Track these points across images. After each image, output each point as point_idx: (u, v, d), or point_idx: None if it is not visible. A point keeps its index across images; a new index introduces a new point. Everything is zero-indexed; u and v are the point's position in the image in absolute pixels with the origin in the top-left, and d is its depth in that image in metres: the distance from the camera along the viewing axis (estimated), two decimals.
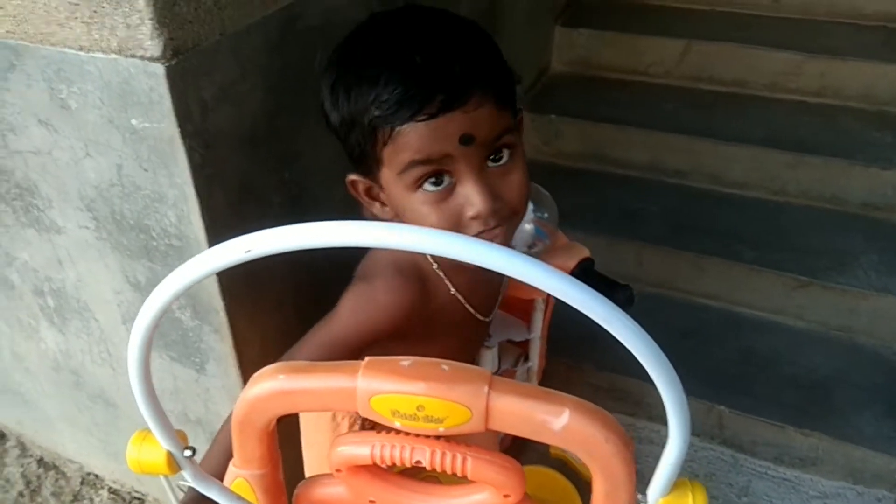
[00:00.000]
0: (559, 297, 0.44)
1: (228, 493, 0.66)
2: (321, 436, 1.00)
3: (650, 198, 1.93)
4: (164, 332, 1.09)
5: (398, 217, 0.79)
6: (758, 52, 2.09)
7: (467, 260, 0.44)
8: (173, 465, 0.62)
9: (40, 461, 1.60)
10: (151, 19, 0.77)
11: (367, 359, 0.55)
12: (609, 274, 1.05)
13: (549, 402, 0.53)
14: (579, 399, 0.54)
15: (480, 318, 0.94)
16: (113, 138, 0.89)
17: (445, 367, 0.54)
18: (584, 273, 1.05)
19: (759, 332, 1.67)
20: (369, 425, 0.95)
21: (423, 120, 0.69)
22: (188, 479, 0.65)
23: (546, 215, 1.12)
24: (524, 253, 1.08)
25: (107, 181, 0.94)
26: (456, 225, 0.74)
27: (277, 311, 1.08)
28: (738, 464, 1.48)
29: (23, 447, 1.63)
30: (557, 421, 0.53)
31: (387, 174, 0.76)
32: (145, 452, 0.62)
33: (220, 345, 1.04)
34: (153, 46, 0.78)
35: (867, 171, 1.80)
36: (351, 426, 0.97)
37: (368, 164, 0.77)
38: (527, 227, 1.10)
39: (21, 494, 1.55)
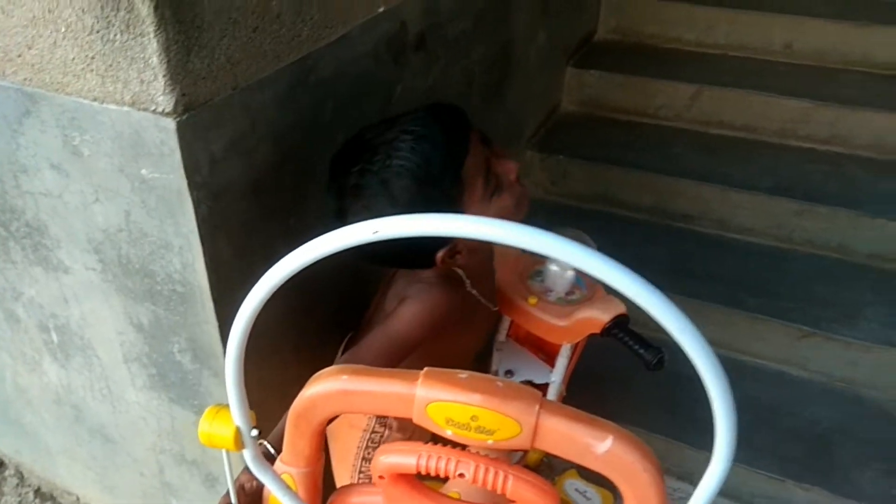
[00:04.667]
0: (623, 290, 0.46)
1: (278, 479, 0.70)
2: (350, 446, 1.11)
3: (656, 241, 1.93)
4: (164, 374, 1.10)
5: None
6: (768, 98, 2.11)
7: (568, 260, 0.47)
8: (239, 442, 0.66)
9: (37, 491, 1.60)
10: (165, 76, 0.78)
11: (426, 369, 0.59)
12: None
13: (595, 427, 0.57)
14: (622, 428, 0.58)
15: (492, 307, 1.11)
16: (122, 186, 0.90)
17: (500, 383, 0.58)
18: (620, 328, 1.07)
19: (761, 381, 1.66)
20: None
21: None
22: (246, 459, 0.68)
23: None
24: (564, 299, 1.11)
25: (115, 226, 0.96)
26: (511, 194, 0.94)
27: (276, 357, 1.08)
28: None
29: (21, 477, 1.63)
30: (601, 445, 0.57)
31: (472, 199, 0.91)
32: (216, 427, 0.65)
33: (219, 389, 1.04)
34: (165, 102, 0.80)
35: (874, 221, 1.80)
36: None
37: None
38: (568, 274, 1.11)
39: None
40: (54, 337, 1.21)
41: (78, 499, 1.55)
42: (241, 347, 0.60)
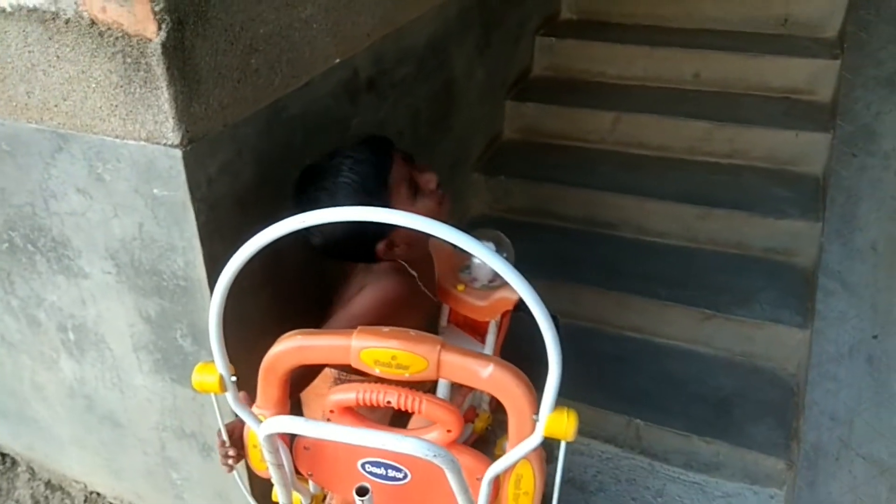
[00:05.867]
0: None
1: (252, 416, 0.93)
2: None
3: (584, 246, 2.24)
4: (168, 358, 1.34)
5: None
6: (679, 121, 2.45)
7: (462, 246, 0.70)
8: (222, 386, 0.88)
9: (48, 483, 1.81)
10: (173, 118, 1.05)
11: (359, 327, 0.84)
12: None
13: (481, 359, 0.82)
14: (501, 359, 0.83)
15: (434, 298, 1.38)
16: (137, 203, 1.16)
17: (412, 333, 0.83)
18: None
19: (673, 358, 1.96)
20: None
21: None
22: (228, 398, 0.90)
23: (505, 255, 1.41)
24: (486, 286, 1.37)
25: (130, 236, 1.21)
26: (431, 198, 1.20)
27: (263, 340, 1.33)
28: (654, 470, 1.74)
29: (32, 472, 1.84)
30: (485, 371, 0.81)
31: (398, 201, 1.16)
32: (205, 376, 0.88)
33: None
34: (174, 137, 1.06)
35: (764, 220, 2.13)
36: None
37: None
38: (488, 266, 1.40)
39: None
40: (71, 336, 1.45)
41: (86, 486, 1.76)
42: (220, 314, 0.83)
